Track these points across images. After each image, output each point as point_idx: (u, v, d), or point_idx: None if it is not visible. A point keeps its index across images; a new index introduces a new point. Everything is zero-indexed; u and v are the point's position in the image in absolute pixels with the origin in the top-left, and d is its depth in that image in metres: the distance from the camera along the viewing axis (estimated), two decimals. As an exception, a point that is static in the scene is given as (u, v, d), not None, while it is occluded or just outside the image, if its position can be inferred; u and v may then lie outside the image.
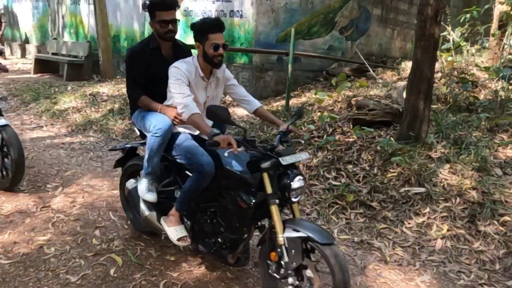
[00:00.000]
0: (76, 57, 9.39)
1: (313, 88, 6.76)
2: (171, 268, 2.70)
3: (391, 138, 4.23)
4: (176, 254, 2.88)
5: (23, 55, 13.00)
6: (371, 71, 6.79)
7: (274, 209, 2.14)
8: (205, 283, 2.57)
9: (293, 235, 2.09)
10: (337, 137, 4.42)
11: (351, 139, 4.40)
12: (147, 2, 2.68)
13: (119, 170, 3.42)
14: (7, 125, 3.59)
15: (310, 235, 2.04)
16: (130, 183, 2.97)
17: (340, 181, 3.86)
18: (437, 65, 6.27)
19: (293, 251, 2.10)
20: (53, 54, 10.33)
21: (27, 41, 12.91)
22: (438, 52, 6.36)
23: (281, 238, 2.11)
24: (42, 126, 6.00)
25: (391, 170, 3.82)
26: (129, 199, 3.02)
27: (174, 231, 2.50)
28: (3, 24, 12.38)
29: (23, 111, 6.83)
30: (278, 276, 2.21)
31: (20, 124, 6.05)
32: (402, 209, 3.46)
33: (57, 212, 3.37)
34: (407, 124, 4.18)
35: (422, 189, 3.55)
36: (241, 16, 6.62)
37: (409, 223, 3.32)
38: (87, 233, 3.07)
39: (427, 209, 3.38)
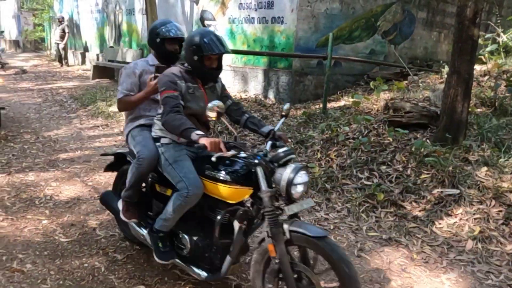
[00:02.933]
0: (130, 63, 10.08)
1: (352, 92, 6.81)
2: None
3: (427, 140, 4.23)
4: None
5: (83, 62, 14.11)
6: (412, 75, 6.71)
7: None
8: (234, 268, 2.78)
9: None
10: (372, 139, 4.49)
11: (386, 141, 4.45)
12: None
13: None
14: None
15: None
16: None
17: (372, 181, 3.93)
18: (484, 68, 6.11)
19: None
20: (109, 61, 11.16)
21: (87, 49, 14.00)
22: (486, 54, 6.20)
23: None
24: (98, 126, 6.57)
25: (425, 172, 3.83)
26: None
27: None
28: (67, 34, 13.53)
29: (82, 112, 7.50)
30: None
31: (79, 124, 6.68)
32: (433, 209, 3.47)
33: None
34: (444, 126, 4.17)
35: (455, 191, 3.54)
36: (282, 22, 6.84)
37: (439, 223, 3.33)
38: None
39: (460, 210, 3.38)
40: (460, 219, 3.33)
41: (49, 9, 18.31)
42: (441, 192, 3.58)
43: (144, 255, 2.87)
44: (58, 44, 13.81)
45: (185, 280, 2.60)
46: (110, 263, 2.77)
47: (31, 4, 22.95)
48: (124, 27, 11.59)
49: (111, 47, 12.03)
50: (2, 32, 17.16)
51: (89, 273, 2.64)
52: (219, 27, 8.19)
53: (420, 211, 3.50)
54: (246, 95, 7.35)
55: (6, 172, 4.32)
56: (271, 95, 7.13)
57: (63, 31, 13.41)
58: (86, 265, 2.73)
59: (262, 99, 7.08)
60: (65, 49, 13.89)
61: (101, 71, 11.04)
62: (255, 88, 7.41)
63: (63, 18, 13.85)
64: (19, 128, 6.24)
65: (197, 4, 8.78)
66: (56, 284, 2.50)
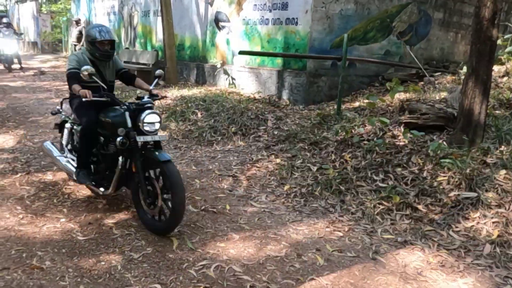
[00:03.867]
0: (145, 64, 10.21)
1: (367, 93, 6.76)
2: (221, 254, 2.97)
3: (444, 142, 4.18)
4: (226, 241, 3.14)
5: (99, 63, 14.31)
6: (428, 76, 6.63)
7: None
8: (251, 267, 2.79)
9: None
10: (387, 141, 4.45)
11: (401, 143, 4.41)
12: None
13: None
14: None
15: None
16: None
17: (388, 183, 3.90)
18: (502, 68, 6.00)
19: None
20: (125, 62, 11.31)
21: (103, 51, 14.20)
22: (505, 55, 6.09)
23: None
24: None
25: (441, 174, 3.79)
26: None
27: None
28: (84, 36, 13.78)
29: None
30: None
31: (95, 124, 6.78)
32: (450, 212, 3.42)
33: (125, 198, 3.81)
34: (461, 128, 4.11)
35: (473, 194, 3.48)
36: (296, 23, 6.84)
37: (456, 227, 3.28)
38: (148, 219, 3.44)
39: (477, 214, 3.32)
40: (478, 222, 3.27)
41: (67, 11, 18.67)
42: (458, 195, 3.53)
43: (160, 255, 2.91)
44: (75, 45, 14.04)
45: (199, 280, 2.63)
46: (126, 261, 2.81)
47: (50, 7, 23.43)
48: (140, 28, 11.74)
49: (127, 48, 12.19)
50: (22, 34, 17.53)
51: (106, 271, 2.68)
52: (234, 28, 8.23)
53: (436, 214, 3.46)
54: (260, 96, 7.36)
55: (26, 171, 4.41)
56: (285, 96, 7.13)
57: (80, 33, 13.62)
58: (103, 263, 2.77)
59: (276, 100, 7.08)
60: (81, 50, 14.13)
61: (116, 72, 11.19)
62: (269, 89, 7.42)
63: (80, 20, 14.08)
64: (37, 127, 6.38)
65: (211, 5, 8.84)
66: (74, 282, 2.55)
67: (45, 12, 22.91)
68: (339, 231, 3.38)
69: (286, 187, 4.20)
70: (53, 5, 23.10)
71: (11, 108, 7.62)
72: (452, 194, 3.56)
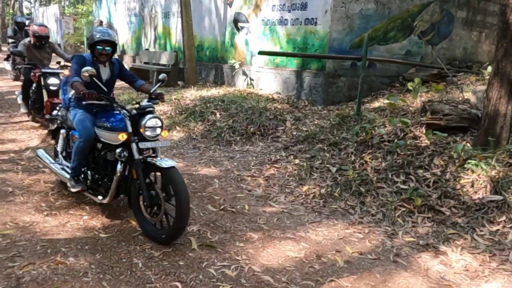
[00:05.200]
0: (164, 65, 10.33)
1: (387, 93, 6.67)
2: (240, 254, 2.97)
3: (467, 144, 4.08)
4: (245, 241, 3.15)
5: (120, 64, 14.56)
6: (450, 77, 6.49)
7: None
8: (270, 267, 2.79)
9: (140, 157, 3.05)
10: (408, 142, 4.38)
11: (423, 144, 4.33)
12: None
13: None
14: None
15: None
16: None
17: (409, 185, 3.84)
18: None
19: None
20: (145, 63, 11.47)
21: (124, 52, 14.46)
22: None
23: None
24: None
25: (465, 177, 3.70)
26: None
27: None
28: (105, 37, 14.02)
29: (119, 113, 7.74)
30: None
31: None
32: (474, 216, 3.34)
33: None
34: (485, 130, 4.01)
35: (498, 197, 3.39)
36: (316, 23, 6.80)
37: (481, 231, 3.20)
38: (168, 218, 3.48)
39: (503, 218, 3.23)
40: (504, 226, 3.18)
41: (89, 13, 19.08)
42: (483, 198, 3.44)
43: (180, 253, 2.93)
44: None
45: (219, 279, 2.64)
46: (147, 259, 2.85)
47: (72, 10, 23.98)
48: (160, 30, 11.89)
49: (147, 49, 12.37)
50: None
51: (127, 268, 2.72)
52: (252, 29, 8.24)
53: (459, 217, 3.38)
54: (279, 97, 7.35)
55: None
56: (303, 96, 7.10)
57: (102, 34, 13.91)
58: (124, 260, 2.81)
59: (295, 100, 7.06)
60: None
61: (137, 72, 11.36)
62: (287, 89, 7.40)
63: (101, 22, 14.36)
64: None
65: (230, 6, 8.88)
66: (96, 278, 2.60)
67: (68, 14, 23.47)
68: (359, 233, 3.34)
69: (305, 188, 4.18)
70: (76, 6, 23.64)
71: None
72: (476, 197, 3.48)
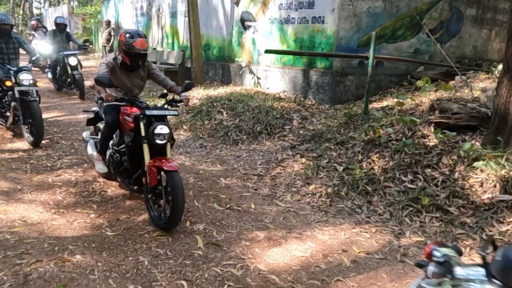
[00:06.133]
0: (172, 64, 10.36)
1: (395, 92, 6.61)
2: (246, 252, 2.97)
3: (476, 143, 4.03)
4: (251, 240, 3.14)
5: (128, 64, 14.64)
6: (459, 75, 6.41)
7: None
8: (275, 266, 2.78)
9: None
10: (416, 141, 4.33)
11: (431, 143, 4.28)
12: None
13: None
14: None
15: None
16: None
17: (417, 185, 3.80)
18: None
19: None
20: (152, 62, 11.50)
21: (131, 51, 14.52)
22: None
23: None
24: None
25: (474, 176, 3.65)
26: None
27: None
28: (113, 37, 14.11)
29: (127, 112, 7.78)
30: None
31: (124, 123, 6.94)
32: (483, 216, 3.30)
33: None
34: (495, 129, 3.96)
35: (508, 197, 3.35)
36: (323, 22, 6.76)
37: (490, 231, 3.16)
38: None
39: (513, 218, 3.19)
40: (513, 226, 3.13)
41: (98, 13, 19.21)
42: (492, 197, 3.39)
43: (186, 252, 2.94)
44: (104, 46, 14.43)
45: (225, 278, 2.64)
46: (153, 257, 2.85)
47: (81, 10, 24.18)
48: (167, 29, 11.93)
49: (154, 49, 12.42)
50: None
51: (133, 266, 2.73)
52: (259, 28, 8.23)
53: (468, 217, 3.34)
54: (286, 95, 7.33)
55: (57, 168, 4.56)
56: (310, 95, 7.06)
57: (109, 34, 13.99)
58: (130, 258, 2.83)
59: (302, 99, 7.03)
60: (111, 51, 14.49)
61: (144, 72, 11.41)
62: (294, 88, 7.37)
63: (109, 21, 14.44)
64: (68, 126, 6.58)
65: (237, 5, 8.87)
66: (103, 275, 2.61)
67: (77, 14, 23.67)
68: (366, 232, 3.32)
69: (311, 187, 4.17)
70: (84, 8, 23.83)
71: (44, 108, 7.90)
72: (485, 196, 3.43)
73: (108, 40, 14.01)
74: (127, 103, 3.42)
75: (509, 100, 3.86)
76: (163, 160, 3.15)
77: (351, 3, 6.51)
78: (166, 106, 3.54)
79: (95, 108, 4.09)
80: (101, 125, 3.99)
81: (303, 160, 4.75)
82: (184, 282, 2.57)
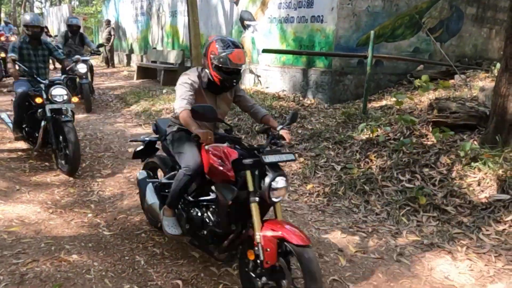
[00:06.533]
0: (172, 64, 10.37)
1: (395, 91, 6.60)
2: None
3: (474, 142, 4.02)
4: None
5: (128, 63, 14.67)
6: (459, 74, 6.39)
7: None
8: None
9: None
10: (414, 140, 4.33)
11: (429, 142, 4.27)
12: None
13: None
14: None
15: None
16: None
17: (414, 184, 3.79)
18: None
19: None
20: (152, 62, 11.52)
21: (132, 51, 14.55)
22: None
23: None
24: (141, 125, 6.81)
25: (472, 175, 3.65)
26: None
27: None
28: (113, 36, 14.13)
29: (126, 111, 7.80)
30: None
31: (123, 122, 6.95)
32: (480, 215, 3.29)
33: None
34: (494, 128, 3.95)
35: (506, 196, 3.34)
36: (322, 21, 6.75)
37: (487, 230, 3.15)
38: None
39: (510, 217, 3.18)
40: (510, 226, 3.13)
41: (98, 13, 19.24)
42: (489, 197, 3.39)
43: (182, 251, 2.94)
44: (105, 46, 14.44)
45: (220, 277, 2.64)
46: (150, 257, 2.86)
47: (82, 9, 24.21)
48: (167, 28, 11.93)
49: (154, 48, 12.42)
50: (56, 36, 18.24)
51: (129, 266, 2.74)
52: (259, 27, 8.22)
53: (465, 216, 3.33)
54: (285, 95, 7.32)
55: (56, 168, 4.57)
56: (310, 94, 7.06)
57: (109, 33, 14.00)
58: (127, 258, 2.83)
59: (301, 98, 7.02)
60: (111, 51, 14.50)
61: (144, 71, 11.43)
62: (293, 87, 7.36)
63: (109, 21, 14.45)
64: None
65: (237, 4, 8.87)
66: (99, 275, 2.62)
67: (77, 14, 23.69)
68: (363, 231, 3.31)
69: (309, 186, 4.16)
70: (85, 7, 23.87)
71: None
72: (483, 196, 3.42)
73: (108, 40, 14.03)
74: (231, 142, 2.42)
75: (507, 99, 3.85)
76: (285, 227, 2.18)
77: (350, 2, 6.50)
78: (268, 145, 2.44)
79: (143, 137, 3.35)
80: (156, 160, 3.17)
81: (301, 159, 4.75)
82: (179, 282, 2.58)
